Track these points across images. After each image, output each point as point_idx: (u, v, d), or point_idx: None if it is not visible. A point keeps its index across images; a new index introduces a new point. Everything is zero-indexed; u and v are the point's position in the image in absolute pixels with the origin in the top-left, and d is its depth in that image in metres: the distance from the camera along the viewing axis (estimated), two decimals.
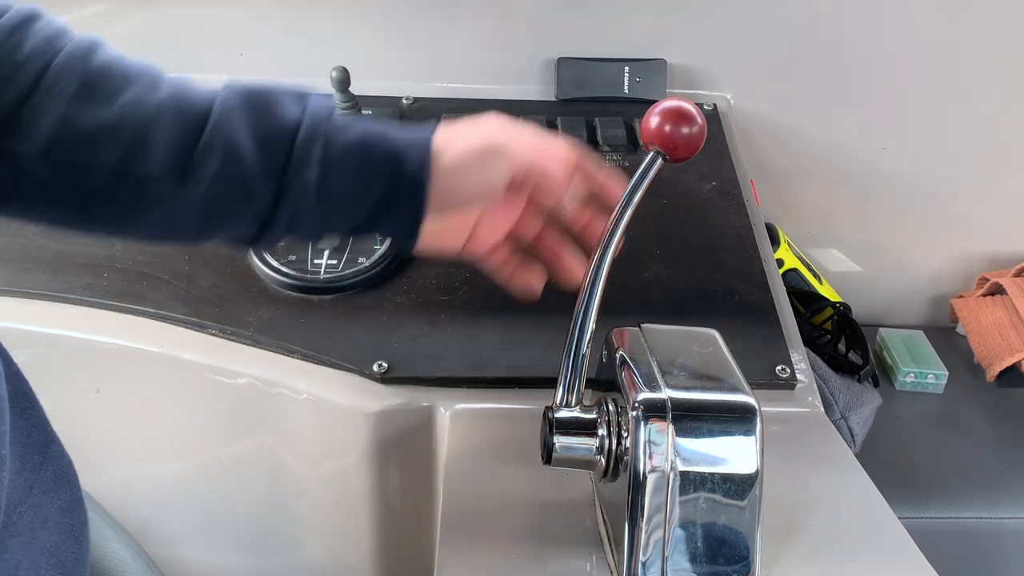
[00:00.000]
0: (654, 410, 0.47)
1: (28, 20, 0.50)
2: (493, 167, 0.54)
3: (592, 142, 0.93)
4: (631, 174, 0.90)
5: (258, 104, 0.51)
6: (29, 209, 0.52)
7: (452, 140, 0.54)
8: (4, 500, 0.35)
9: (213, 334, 0.72)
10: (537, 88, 1.01)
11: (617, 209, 0.54)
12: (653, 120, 0.53)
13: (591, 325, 0.51)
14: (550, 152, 0.56)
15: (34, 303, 0.74)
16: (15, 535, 0.38)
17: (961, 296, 1.17)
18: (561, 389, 0.51)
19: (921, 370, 1.05)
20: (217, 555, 0.86)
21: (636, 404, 0.47)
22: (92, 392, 0.75)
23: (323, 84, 0.89)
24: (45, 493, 0.42)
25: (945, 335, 1.15)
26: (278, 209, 0.51)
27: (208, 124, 0.50)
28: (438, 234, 0.56)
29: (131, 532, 0.65)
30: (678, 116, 0.53)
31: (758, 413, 0.48)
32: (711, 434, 0.47)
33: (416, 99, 0.98)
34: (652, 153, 0.54)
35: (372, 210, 0.53)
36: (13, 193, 0.50)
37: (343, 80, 0.86)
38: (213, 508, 0.82)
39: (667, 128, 0.53)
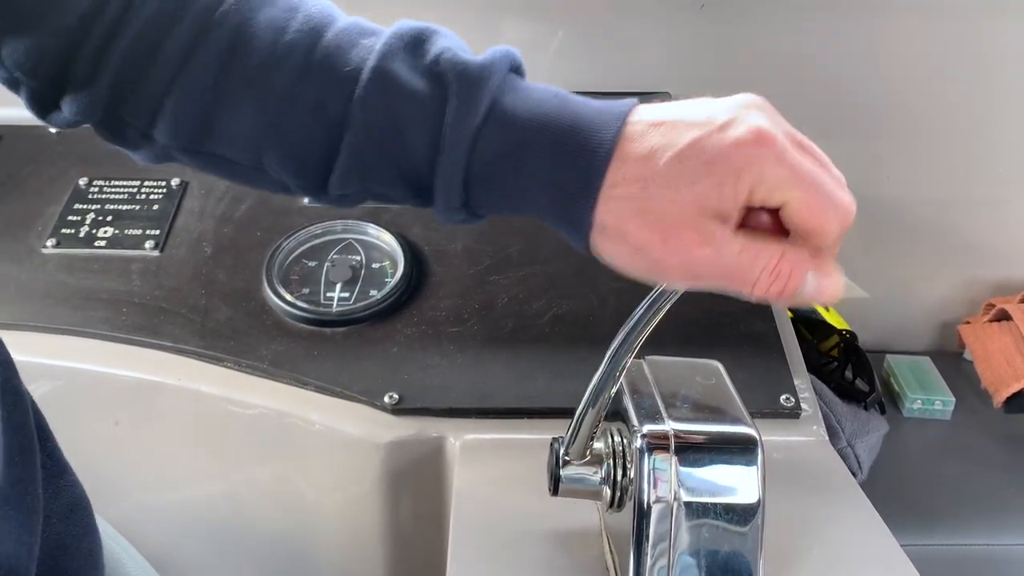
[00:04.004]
0: (658, 442, 0.48)
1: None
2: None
3: None
4: None
5: (394, 119, 0.44)
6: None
7: (639, 172, 0.41)
8: (39, 535, 0.37)
9: (228, 367, 0.73)
10: None
11: (656, 297, 0.46)
12: None
13: (619, 375, 0.49)
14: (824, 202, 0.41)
15: (55, 337, 0.76)
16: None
17: (968, 322, 1.17)
18: (572, 428, 0.52)
19: (928, 396, 1.06)
20: None
21: (640, 436, 0.49)
22: (111, 424, 0.76)
23: None
24: (61, 520, 0.43)
25: (952, 361, 1.16)
26: (430, 206, 0.47)
27: (343, 139, 0.45)
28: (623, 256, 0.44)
29: (149, 561, 0.66)
30: None
31: (759, 444, 0.49)
32: (713, 465, 0.49)
33: None
34: None
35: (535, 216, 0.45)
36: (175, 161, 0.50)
37: None
38: (229, 537, 0.83)
39: None
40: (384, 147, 0.45)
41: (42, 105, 0.48)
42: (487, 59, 0.45)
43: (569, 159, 0.42)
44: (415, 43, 0.46)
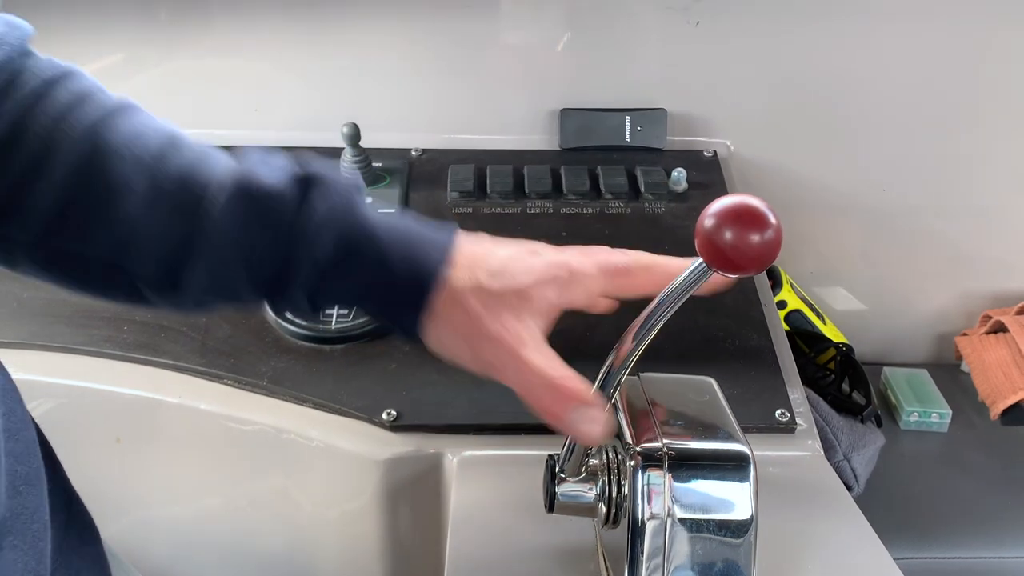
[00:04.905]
0: (652, 459, 0.49)
1: (56, 81, 0.47)
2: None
3: (595, 190, 0.95)
4: (632, 221, 0.93)
5: (259, 213, 0.48)
6: (30, 276, 0.50)
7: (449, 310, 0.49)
8: (49, 563, 0.37)
9: (229, 384, 0.74)
10: (541, 138, 1.04)
11: (648, 316, 0.46)
12: (707, 222, 0.41)
13: (613, 392, 0.49)
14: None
15: (57, 355, 0.76)
16: None
17: (965, 334, 1.18)
18: (567, 445, 0.53)
19: (925, 409, 1.06)
20: None
21: (635, 454, 0.49)
22: (113, 441, 0.77)
23: (334, 138, 0.92)
24: (72, 550, 0.43)
25: (949, 373, 1.16)
26: (275, 306, 0.51)
27: (199, 233, 0.47)
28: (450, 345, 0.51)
29: None
30: (737, 218, 0.40)
31: (751, 461, 0.49)
32: (707, 481, 0.49)
33: (424, 150, 1.01)
34: (698, 262, 0.42)
35: (373, 313, 0.52)
36: (13, 267, 0.49)
37: (353, 135, 0.90)
38: (229, 553, 0.84)
39: (727, 235, 0.40)
40: (244, 240, 0.48)
41: None
42: (346, 177, 0.51)
43: (421, 252, 0.50)
44: (270, 157, 0.50)
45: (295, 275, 0.48)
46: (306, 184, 0.49)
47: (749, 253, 0.40)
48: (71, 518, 0.44)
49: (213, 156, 0.50)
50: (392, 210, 0.52)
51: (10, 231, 0.47)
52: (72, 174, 0.46)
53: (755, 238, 0.40)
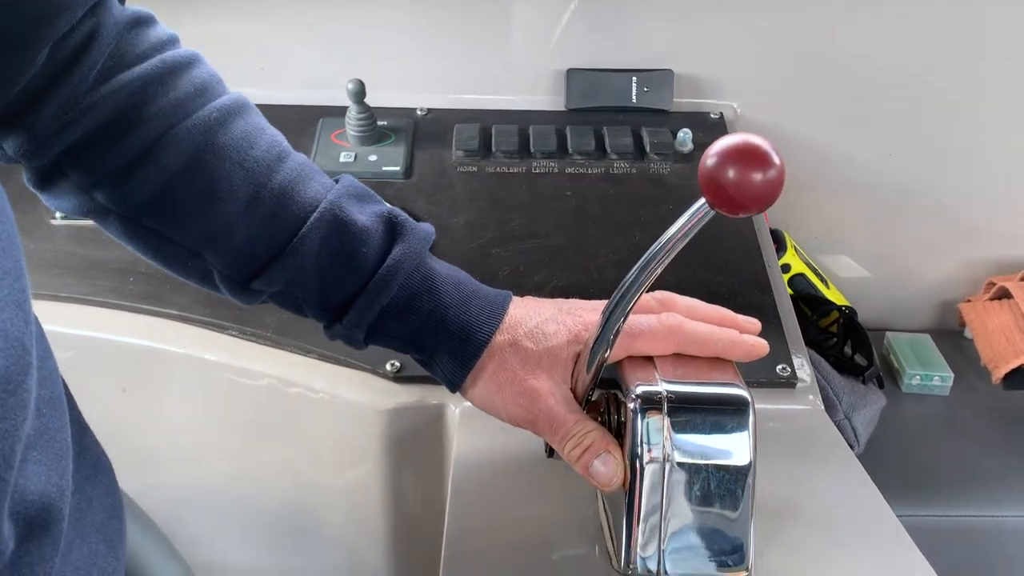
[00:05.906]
0: (651, 403, 0.49)
1: (181, 67, 0.51)
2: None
3: (600, 150, 0.95)
4: (637, 182, 0.93)
5: (343, 243, 0.53)
6: (116, 239, 0.54)
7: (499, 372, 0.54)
8: (70, 481, 0.38)
9: (234, 335, 0.75)
10: (547, 99, 1.04)
11: (650, 259, 0.46)
12: (710, 161, 0.41)
13: (613, 339, 0.50)
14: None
15: (64, 306, 0.77)
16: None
17: (969, 300, 1.18)
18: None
19: (927, 372, 1.06)
20: (239, 554, 0.88)
21: (634, 397, 0.50)
22: (118, 391, 0.78)
23: (340, 96, 0.92)
24: (86, 479, 0.44)
25: (953, 339, 1.16)
26: (330, 331, 0.56)
27: (288, 246, 0.52)
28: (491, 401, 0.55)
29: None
30: (740, 156, 0.40)
31: (751, 406, 0.49)
32: (706, 426, 0.49)
33: (430, 110, 1.01)
34: (700, 203, 0.43)
35: (420, 359, 0.58)
36: (104, 226, 0.53)
37: (358, 92, 0.90)
38: (234, 506, 0.85)
39: (730, 173, 0.40)
40: (324, 263, 0.53)
41: None
42: (423, 224, 0.57)
43: (475, 312, 0.55)
44: (364, 190, 0.56)
45: (359, 310, 0.54)
46: (392, 229, 0.55)
47: (751, 191, 0.40)
48: (83, 450, 0.45)
49: (314, 176, 0.54)
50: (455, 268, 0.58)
51: (109, 203, 0.50)
52: (181, 168, 0.50)
53: (758, 176, 0.40)
